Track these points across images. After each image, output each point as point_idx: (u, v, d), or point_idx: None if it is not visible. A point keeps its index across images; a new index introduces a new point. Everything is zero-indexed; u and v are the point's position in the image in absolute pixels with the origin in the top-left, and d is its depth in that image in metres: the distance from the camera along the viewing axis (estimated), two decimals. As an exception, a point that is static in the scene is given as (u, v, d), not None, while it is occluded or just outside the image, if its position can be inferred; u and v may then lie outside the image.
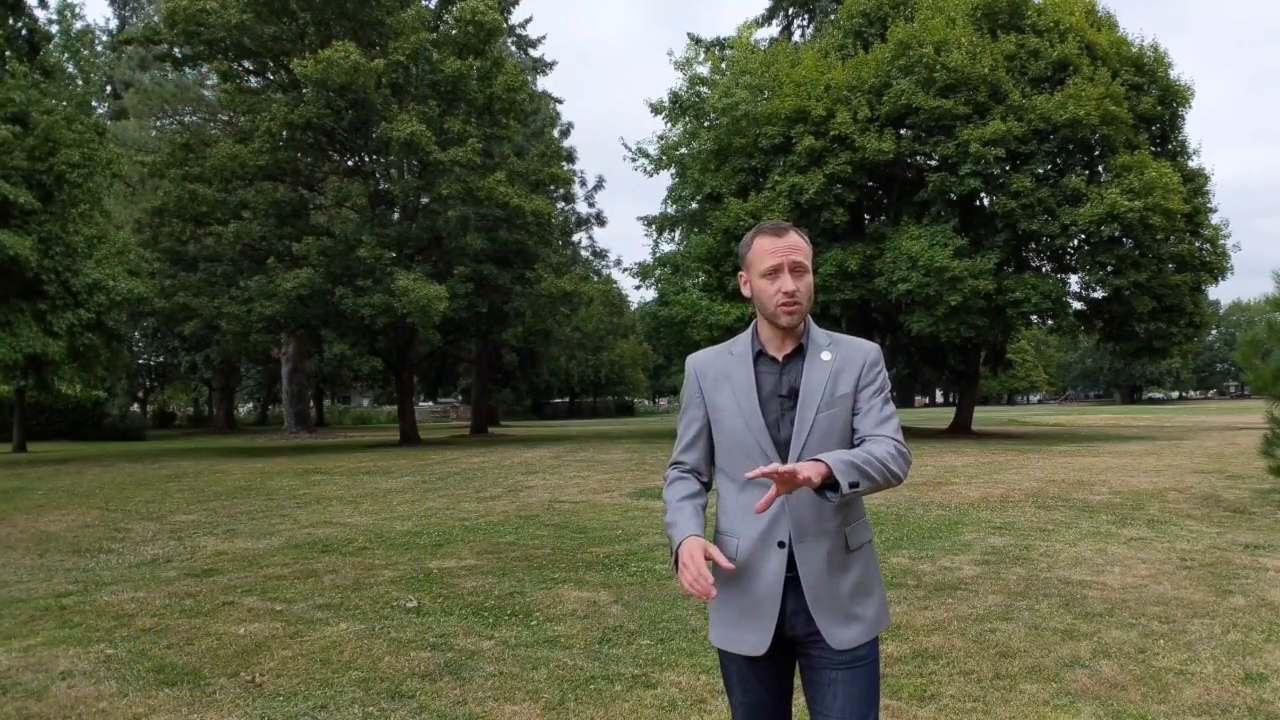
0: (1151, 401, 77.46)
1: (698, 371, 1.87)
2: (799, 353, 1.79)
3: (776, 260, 1.75)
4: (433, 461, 14.77)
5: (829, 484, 1.58)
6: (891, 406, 1.80)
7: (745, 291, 1.84)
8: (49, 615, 4.81)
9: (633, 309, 39.46)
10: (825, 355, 1.78)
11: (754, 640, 1.73)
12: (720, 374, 1.82)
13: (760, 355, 1.81)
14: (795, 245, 1.77)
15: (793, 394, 1.75)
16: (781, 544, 1.71)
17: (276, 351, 27.66)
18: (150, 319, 22.38)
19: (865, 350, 1.81)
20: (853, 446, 1.75)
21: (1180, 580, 5.09)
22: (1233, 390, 79.91)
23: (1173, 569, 5.39)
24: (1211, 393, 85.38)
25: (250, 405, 50.35)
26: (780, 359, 1.79)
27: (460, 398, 49.50)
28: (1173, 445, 15.52)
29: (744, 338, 1.85)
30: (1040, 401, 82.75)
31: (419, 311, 16.95)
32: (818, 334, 1.81)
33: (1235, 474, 10.18)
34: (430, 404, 50.47)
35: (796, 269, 1.75)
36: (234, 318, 17.85)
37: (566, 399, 57.35)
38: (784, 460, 1.70)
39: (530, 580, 5.40)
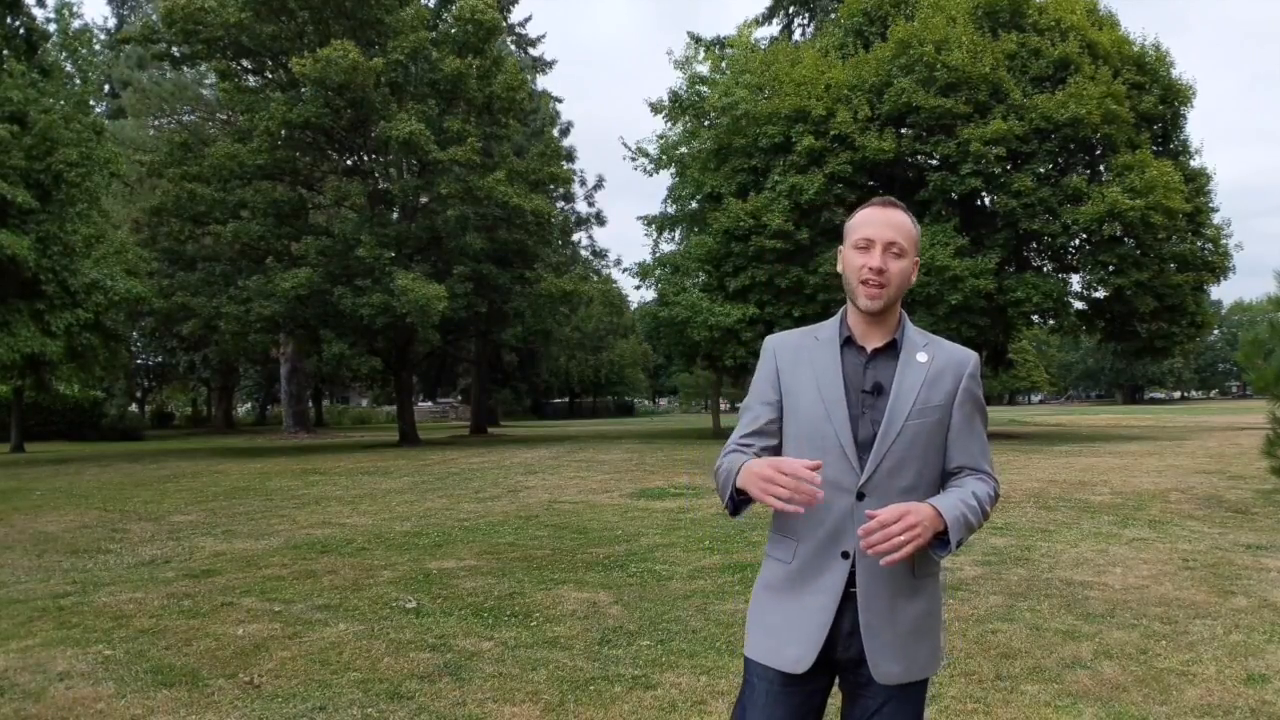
0: (1153, 401, 77.50)
1: (776, 351, 1.69)
2: (891, 348, 1.62)
3: (872, 232, 1.58)
4: (432, 462, 14.75)
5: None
6: (985, 430, 1.68)
7: (839, 267, 1.67)
8: (47, 616, 4.79)
9: (633, 309, 39.42)
10: (921, 356, 1.61)
11: (795, 655, 1.56)
12: (801, 356, 1.66)
13: (847, 343, 1.64)
14: (898, 223, 1.60)
15: (877, 390, 1.58)
16: (846, 554, 1.55)
17: (275, 351, 27.63)
18: (148, 319, 22.31)
19: (963, 359, 1.64)
20: (946, 472, 1.63)
21: (1182, 581, 5.08)
22: (1234, 390, 79.91)
23: (1174, 570, 5.38)
24: (1213, 393, 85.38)
25: (249, 405, 50.33)
26: (869, 351, 1.62)
27: (460, 398, 49.48)
28: (1174, 445, 15.51)
29: (831, 323, 1.68)
30: (1041, 401, 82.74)
31: (418, 311, 16.92)
32: (913, 331, 1.65)
33: (1237, 474, 10.16)
34: (429, 404, 50.45)
35: (891, 248, 1.57)
36: (232, 317, 17.82)
37: (566, 399, 57.34)
38: (861, 464, 1.55)
39: (530, 581, 5.38)
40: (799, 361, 1.65)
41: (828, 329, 1.68)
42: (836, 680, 1.66)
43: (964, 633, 4.11)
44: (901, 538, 1.42)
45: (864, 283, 1.57)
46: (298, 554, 6.52)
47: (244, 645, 4.12)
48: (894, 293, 1.58)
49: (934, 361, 1.61)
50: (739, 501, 1.56)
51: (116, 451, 20.93)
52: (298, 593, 5.20)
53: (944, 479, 1.64)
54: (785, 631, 1.59)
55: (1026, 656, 3.75)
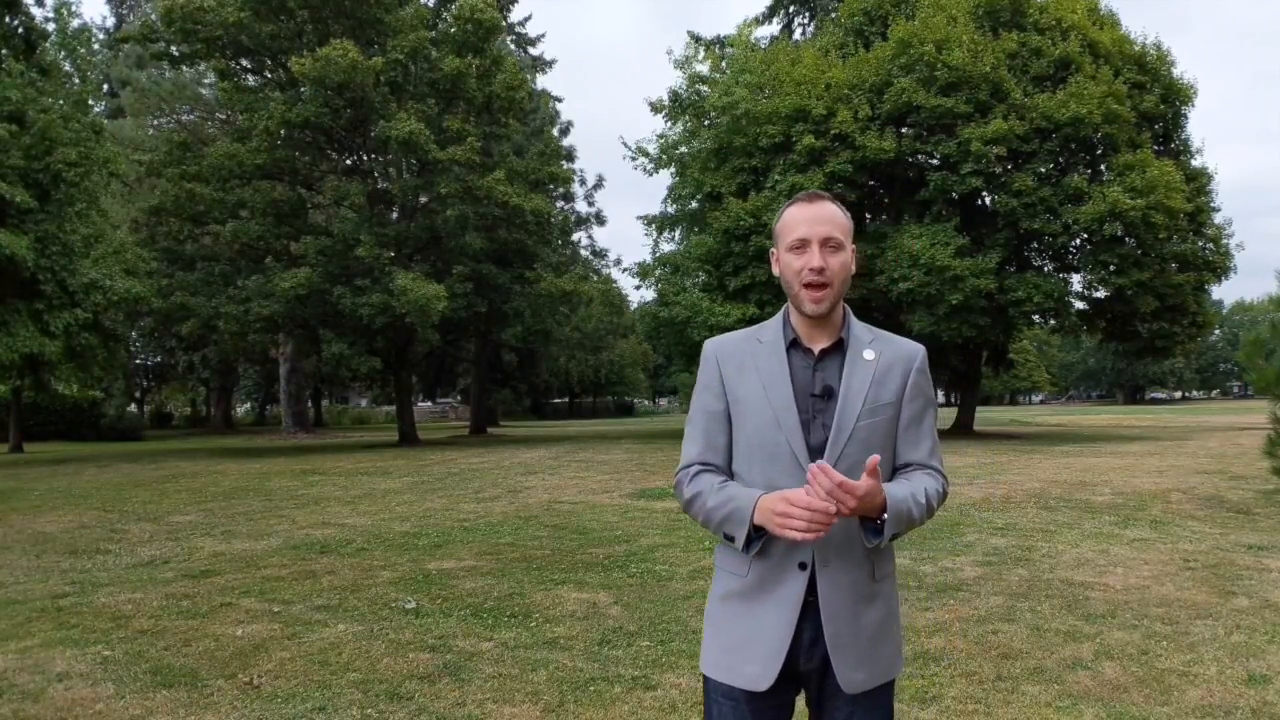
0: (1154, 401, 77.49)
1: (719, 357, 1.62)
2: (838, 348, 1.58)
3: (805, 231, 1.53)
4: (431, 462, 14.74)
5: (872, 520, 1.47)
6: (934, 425, 1.65)
7: (775, 269, 1.63)
8: (45, 617, 4.78)
9: (633, 309, 39.40)
10: (868, 354, 1.57)
11: (754, 672, 1.52)
12: (746, 362, 1.59)
13: (793, 345, 1.59)
14: (829, 216, 1.54)
15: (826, 393, 1.54)
16: (803, 565, 1.51)
17: (274, 351, 27.62)
18: (147, 319, 22.28)
19: (911, 353, 1.62)
20: (894, 469, 1.60)
21: (1183, 581, 5.07)
22: (1236, 390, 79.89)
23: (1176, 570, 5.37)
24: (1214, 393, 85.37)
25: (248, 405, 50.30)
26: (816, 353, 1.58)
27: (459, 398, 49.47)
28: (1175, 446, 15.50)
29: (773, 324, 1.63)
30: (1042, 402, 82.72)
31: (417, 311, 16.91)
32: (859, 328, 1.61)
33: (1238, 474, 10.15)
34: (429, 404, 50.45)
35: (828, 243, 1.52)
36: (232, 317, 17.81)
37: (566, 399, 57.32)
38: None
39: (529, 581, 5.37)
40: (744, 368, 1.59)
41: (770, 331, 1.62)
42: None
43: (965, 633, 4.10)
44: (842, 510, 1.38)
45: (807, 285, 1.53)
46: (297, 554, 6.51)
47: (243, 646, 4.11)
48: (838, 289, 1.55)
49: (881, 358, 1.57)
50: (753, 537, 1.50)
51: (115, 452, 20.91)
52: (297, 593, 5.19)
53: (892, 475, 1.61)
54: (744, 648, 1.54)
55: (1027, 657, 3.74)
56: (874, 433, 1.54)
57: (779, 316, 1.64)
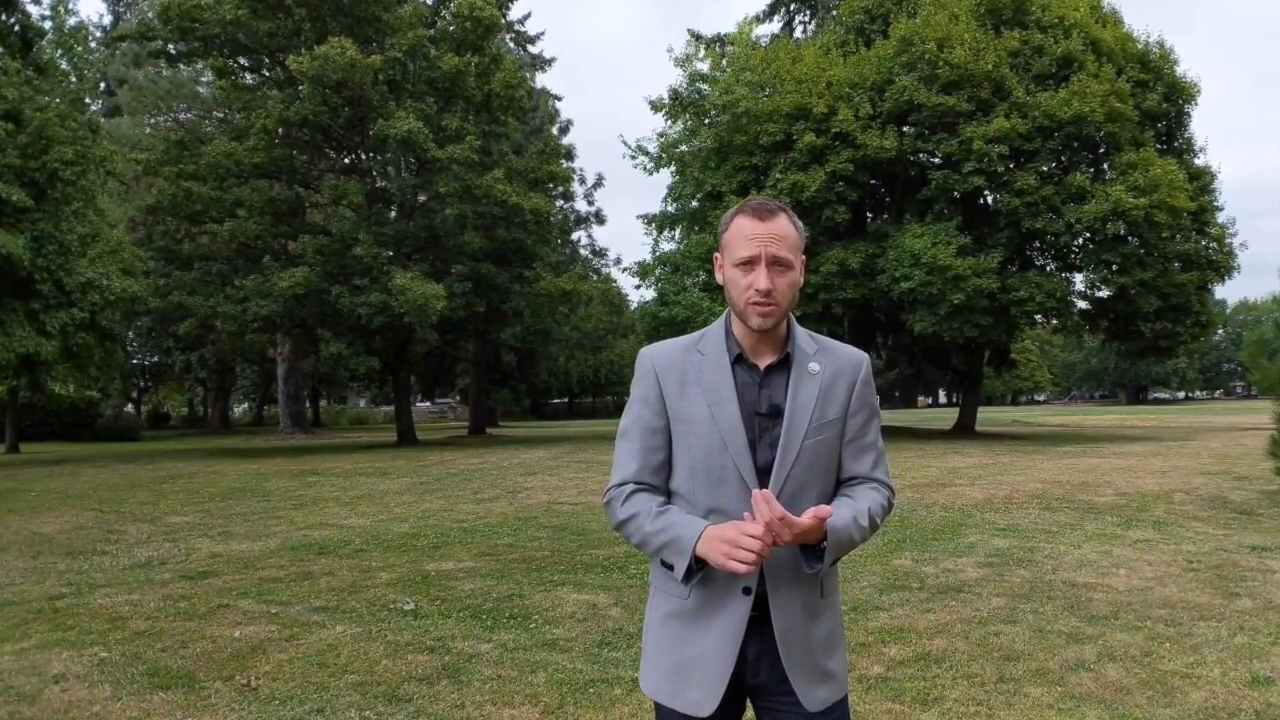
0: (1157, 402, 77.48)
1: (658, 371, 1.55)
2: (784, 363, 1.53)
3: (754, 250, 1.47)
4: (430, 463, 14.71)
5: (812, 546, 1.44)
6: (880, 435, 1.62)
7: (718, 277, 1.56)
8: (42, 618, 4.76)
9: (633, 309, 39.33)
10: (813, 366, 1.53)
11: (696, 698, 1.49)
12: (689, 377, 1.53)
13: (738, 360, 1.53)
14: (780, 234, 1.48)
15: (774, 412, 1.49)
16: (748, 590, 1.48)
17: (272, 351, 27.59)
18: (144, 318, 22.25)
19: (855, 363, 1.57)
20: (838, 481, 1.57)
21: (1186, 583, 5.05)
22: (1239, 390, 79.91)
23: (1179, 571, 5.35)
24: (1218, 393, 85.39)
25: (246, 405, 50.24)
26: (762, 369, 1.53)
27: (458, 398, 49.43)
28: (1179, 446, 15.46)
29: (715, 334, 1.57)
30: (1045, 402, 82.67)
31: (416, 311, 16.87)
32: (803, 338, 1.56)
33: (1242, 475, 10.11)
34: (428, 404, 50.37)
35: (777, 264, 1.47)
36: (229, 317, 17.77)
37: (566, 399, 57.32)
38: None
39: (529, 583, 5.35)
40: (686, 382, 1.52)
41: (713, 343, 1.56)
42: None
43: (967, 634, 4.08)
44: (778, 541, 1.37)
45: (754, 305, 1.47)
46: (295, 555, 6.49)
47: (241, 647, 4.09)
48: (786, 307, 1.50)
49: (825, 371, 1.54)
50: (693, 569, 1.45)
51: (112, 452, 20.89)
52: (295, 594, 5.16)
53: (836, 489, 1.57)
54: (686, 674, 1.51)
55: (1030, 659, 3.72)
56: (820, 450, 1.51)
57: (720, 327, 1.58)
